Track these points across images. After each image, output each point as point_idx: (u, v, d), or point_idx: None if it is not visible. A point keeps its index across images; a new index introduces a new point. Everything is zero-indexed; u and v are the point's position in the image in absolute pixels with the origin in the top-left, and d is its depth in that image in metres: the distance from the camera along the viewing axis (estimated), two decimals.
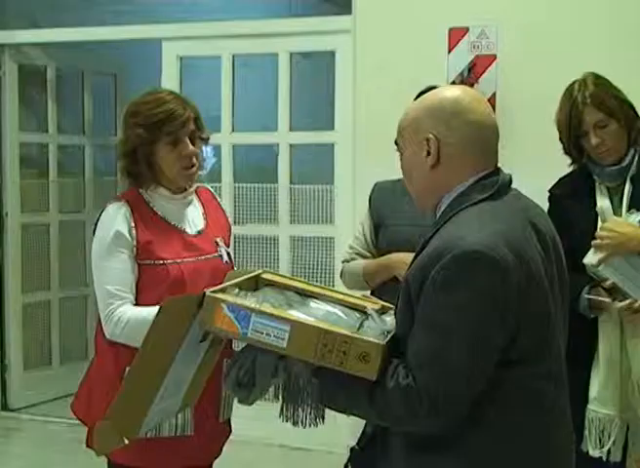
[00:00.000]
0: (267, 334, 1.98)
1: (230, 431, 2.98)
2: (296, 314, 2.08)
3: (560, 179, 3.32)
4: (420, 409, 1.86)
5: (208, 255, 2.83)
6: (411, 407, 1.88)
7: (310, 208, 5.14)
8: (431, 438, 1.95)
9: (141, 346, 2.11)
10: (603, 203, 3.13)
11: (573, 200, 3.20)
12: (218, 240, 2.89)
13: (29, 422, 5.74)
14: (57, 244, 6.26)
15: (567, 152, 3.22)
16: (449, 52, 4.56)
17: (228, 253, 2.92)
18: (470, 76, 4.50)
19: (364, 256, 3.28)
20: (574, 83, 3.18)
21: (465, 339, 1.86)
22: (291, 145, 5.18)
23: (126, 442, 2.17)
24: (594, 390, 3.05)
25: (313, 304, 2.22)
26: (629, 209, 3.07)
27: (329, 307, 2.21)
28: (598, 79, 3.17)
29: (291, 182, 5.18)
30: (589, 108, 3.08)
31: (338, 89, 4.98)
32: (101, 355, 2.80)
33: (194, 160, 2.78)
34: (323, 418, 2.37)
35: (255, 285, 2.35)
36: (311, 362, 2.00)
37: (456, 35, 4.54)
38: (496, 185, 2.03)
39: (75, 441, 4.73)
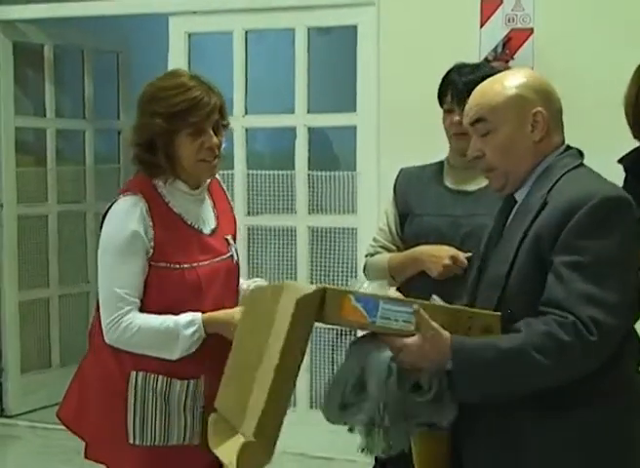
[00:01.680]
0: (395, 320, 2.19)
1: None
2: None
3: (631, 150, 3.26)
4: (592, 338, 2.10)
5: (222, 257, 2.85)
6: (583, 338, 2.10)
7: (331, 196, 5.14)
8: (563, 395, 2.20)
9: (281, 352, 2.17)
10: None
11: (632, 177, 3.14)
12: (228, 238, 2.92)
13: (28, 429, 5.77)
14: (55, 237, 6.29)
15: (635, 136, 3.17)
16: (481, 25, 4.56)
17: (236, 250, 2.94)
18: (505, 52, 4.49)
19: (389, 250, 3.29)
20: None
21: (619, 278, 2.16)
22: (309, 128, 5.18)
23: (269, 461, 2.23)
24: None
25: None
26: None
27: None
28: None
29: (309, 169, 5.17)
30: None
31: (360, 67, 4.96)
32: (99, 356, 2.82)
33: (216, 151, 2.77)
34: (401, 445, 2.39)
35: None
36: None
37: (489, 7, 4.54)
38: (581, 155, 2.39)
39: (77, 450, 4.77)
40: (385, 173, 4.27)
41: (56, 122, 6.28)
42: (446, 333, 2.20)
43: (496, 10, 4.53)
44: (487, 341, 2.21)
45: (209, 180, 2.91)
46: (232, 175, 5.18)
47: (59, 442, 5.39)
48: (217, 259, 2.83)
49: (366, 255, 3.36)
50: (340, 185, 5.11)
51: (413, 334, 2.20)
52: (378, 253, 3.30)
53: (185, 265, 2.74)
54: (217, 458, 2.91)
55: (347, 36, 5.03)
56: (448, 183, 3.24)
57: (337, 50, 5.45)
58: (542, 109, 2.32)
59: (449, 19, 4.65)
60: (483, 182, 3.15)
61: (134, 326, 2.67)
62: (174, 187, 2.80)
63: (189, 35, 5.36)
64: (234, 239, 2.96)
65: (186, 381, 2.76)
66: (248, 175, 5.28)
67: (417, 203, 3.24)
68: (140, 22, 5.94)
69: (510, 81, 2.37)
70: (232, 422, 2.28)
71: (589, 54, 4.35)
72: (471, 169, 3.17)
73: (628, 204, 2.22)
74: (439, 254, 3.05)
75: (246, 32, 5.27)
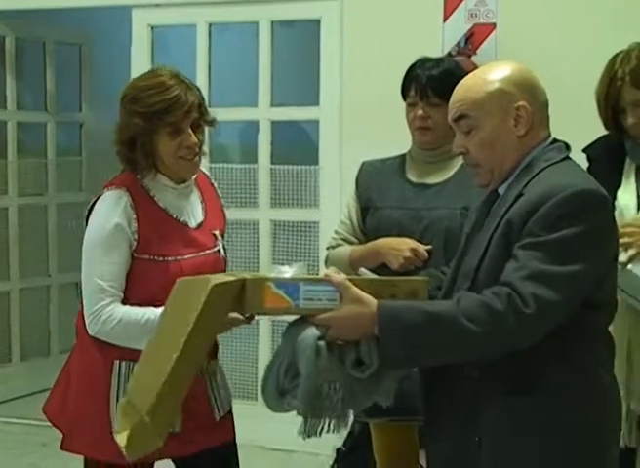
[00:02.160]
0: (319, 300, 2.21)
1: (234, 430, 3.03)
2: None
3: (597, 139, 3.25)
4: (526, 310, 2.10)
5: (208, 251, 2.86)
6: (517, 308, 2.10)
7: (293, 190, 5.12)
8: (521, 381, 2.22)
9: (188, 334, 2.17)
10: (628, 184, 3.09)
11: (597, 166, 3.14)
12: (216, 233, 2.92)
13: None
14: (16, 230, 6.21)
15: (607, 128, 3.17)
16: (444, 20, 4.57)
17: (224, 246, 2.95)
18: (468, 47, 4.51)
19: (350, 242, 3.29)
20: (618, 54, 3.08)
21: (571, 263, 2.13)
22: (272, 122, 5.17)
23: (160, 444, 2.19)
24: None
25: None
26: None
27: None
28: None
29: (272, 162, 5.17)
30: (628, 86, 2.98)
31: (323, 61, 4.96)
32: (84, 348, 2.82)
33: (196, 149, 2.78)
34: (346, 424, 2.37)
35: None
36: None
37: (452, 2, 4.55)
38: (568, 148, 2.39)
39: (39, 444, 4.73)
40: (348, 166, 4.27)
41: (17, 114, 6.20)
42: (372, 299, 2.20)
43: (459, 5, 4.54)
44: (413, 303, 2.23)
45: (195, 176, 2.92)
46: None
47: (17, 436, 5.36)
48: (202, 253, 2.84)
49: (327, 248, 3.36)
50: (303, 179, 5.11)
51: None
52: (339, 245, 3.30)
53: (169, 258, 2.75)
54: (200, 444, 2.89)
55: (311, 30, 5.03)
56: (410, 177, 3.24)
57: (300, 44, 5.43)
58: (525, 103, 2.30)
59: (412, 13, 4.65)
60: (445, 175, 3.17)
61: (114, 318, 2.68)
62: (157, 182, 2.82)
63: (152, 28, 5.33)
64: (222, 235, 2.96)
65: None
66: (210, 168, 5.25)
67: (378, 196, 3.24)
68: (103, 15, 5.89)
69: (492, 75, 2.34)
70: (138, 407, 2.26)
71: (552, 49, 4.37)
72: (434, 162, 3.19)
73: (603, 199, 2.21)
74: (399, 247, 3.05)
75: (209, 25, 5.25)
